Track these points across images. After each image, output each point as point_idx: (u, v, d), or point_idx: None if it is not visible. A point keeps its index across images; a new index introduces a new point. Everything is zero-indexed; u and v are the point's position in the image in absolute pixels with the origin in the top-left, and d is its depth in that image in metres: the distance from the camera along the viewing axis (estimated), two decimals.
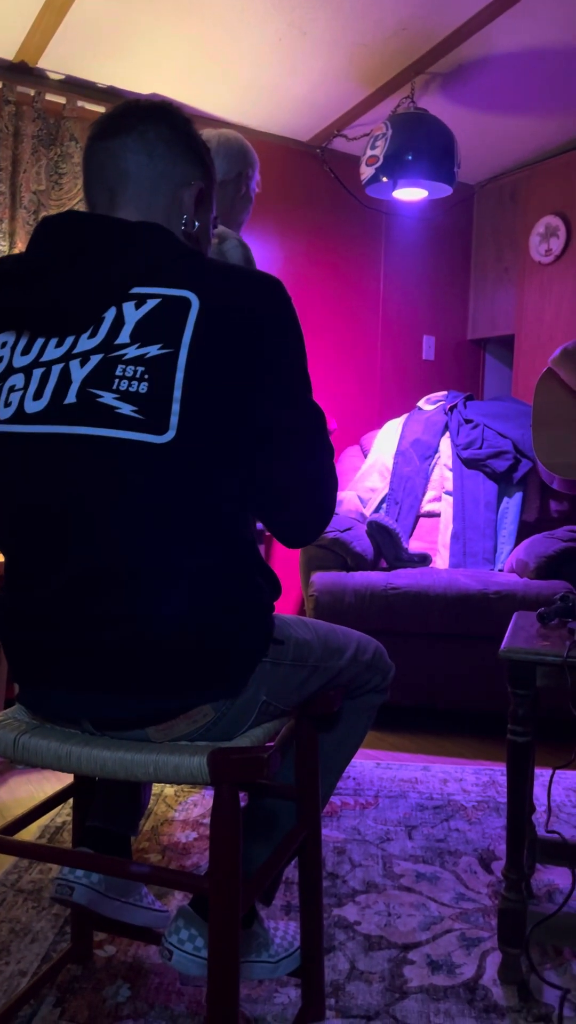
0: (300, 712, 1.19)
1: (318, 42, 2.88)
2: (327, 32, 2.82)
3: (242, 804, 1.20)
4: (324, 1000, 1.27)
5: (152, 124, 1.10)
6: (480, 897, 1.62)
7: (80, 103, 3.06)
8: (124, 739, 1.04)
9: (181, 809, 1.99)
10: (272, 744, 1.06)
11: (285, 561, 3.61)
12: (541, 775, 2.13)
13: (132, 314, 1.00)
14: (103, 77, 3.09)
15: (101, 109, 3.07)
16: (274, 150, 3.48)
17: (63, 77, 3.04)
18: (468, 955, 1.43)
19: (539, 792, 1.99)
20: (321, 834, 1.26)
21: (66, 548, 0.99)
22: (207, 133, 2.18)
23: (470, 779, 2.20)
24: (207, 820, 1.90)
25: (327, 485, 1.14)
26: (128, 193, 1.10)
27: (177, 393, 0.96)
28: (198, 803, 2.03)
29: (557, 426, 2.67)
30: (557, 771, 2.15)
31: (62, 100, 3.03)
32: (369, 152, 3.11)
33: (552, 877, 1.69)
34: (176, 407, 0.96)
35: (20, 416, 0.99)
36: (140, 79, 3.10)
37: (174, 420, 0.96)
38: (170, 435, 0.96)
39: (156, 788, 2.08)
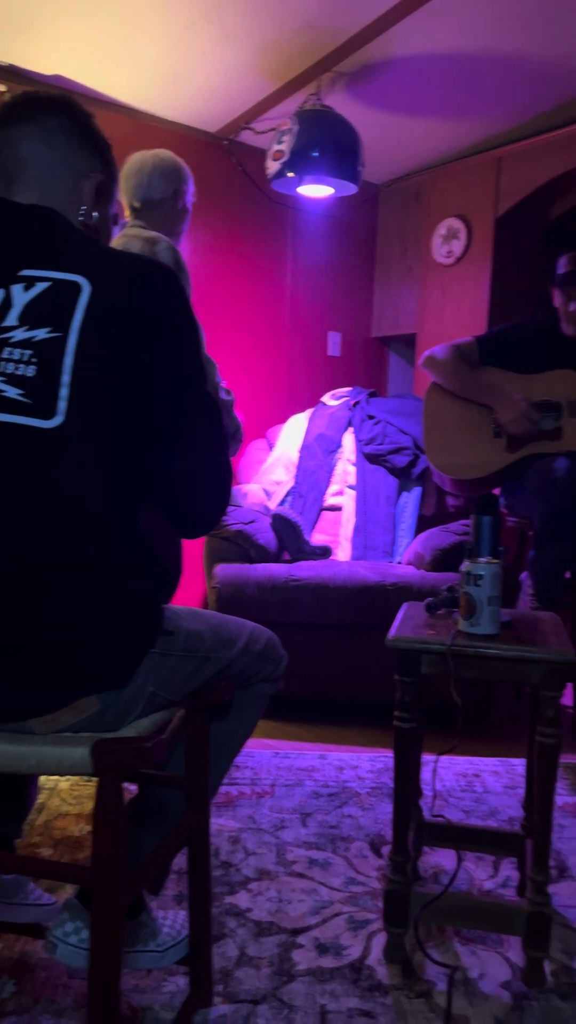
0: (191, 702, 1.19)
1: (227, 33, 2.86)
2: (235, 24, 2.80)
3: (134, 795, 1.20)
4: (212, 987, 1.28)
5: (53, 115, 1.10)
6: (369, 881, 1.65)
7: None
8: (5, 731, 1.02)
9: (76, 803, 1.96)
10: (157, 734, 1.06)
11: (188, 552, 3.58)
12: (431, 761, 2.18)
13: (20, 296, 0.99)
14: (4, 55, 2.99)
15: (1, 88, 2.99)
16: (181, 140, 3.44)
17: None
18: (355, 937, 1.45)
19: (430, 778, 2.04)
20: (210, 823, 1.27)
21: None
22: (142, 156, 2.34)
23: (365, 766, 2.24)
24: None
25: (219, 476, 1.14)
26: (25, 179, 1.09)
27: (66, 378, 0.95)
28: (94, 797, 2.00)
29: (445, 429, 2.73)
30: (445, 757, 2.21)
31: None
32: (275, 147, 3.11)
33: (439, 859, 1.74)
34: (64, 392, 0.95)
35: None
36: (43, 59, 3.01)
37: (62, 405, 0.95)
38: (58, 420, 0.95)
39: (50, 782, 2.05)
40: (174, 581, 1.17)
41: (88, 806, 1.94)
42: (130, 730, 1.04)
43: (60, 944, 1.09)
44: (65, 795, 2.00)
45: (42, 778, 1.99)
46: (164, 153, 2.39)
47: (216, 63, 3.04)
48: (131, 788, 1.33)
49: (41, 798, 1.96)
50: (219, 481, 1.14)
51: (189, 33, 2.85)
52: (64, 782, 2.06)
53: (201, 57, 3.00)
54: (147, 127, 3.39)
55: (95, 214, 1.13)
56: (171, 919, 1.32)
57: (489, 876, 1.69)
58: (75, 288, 0.98)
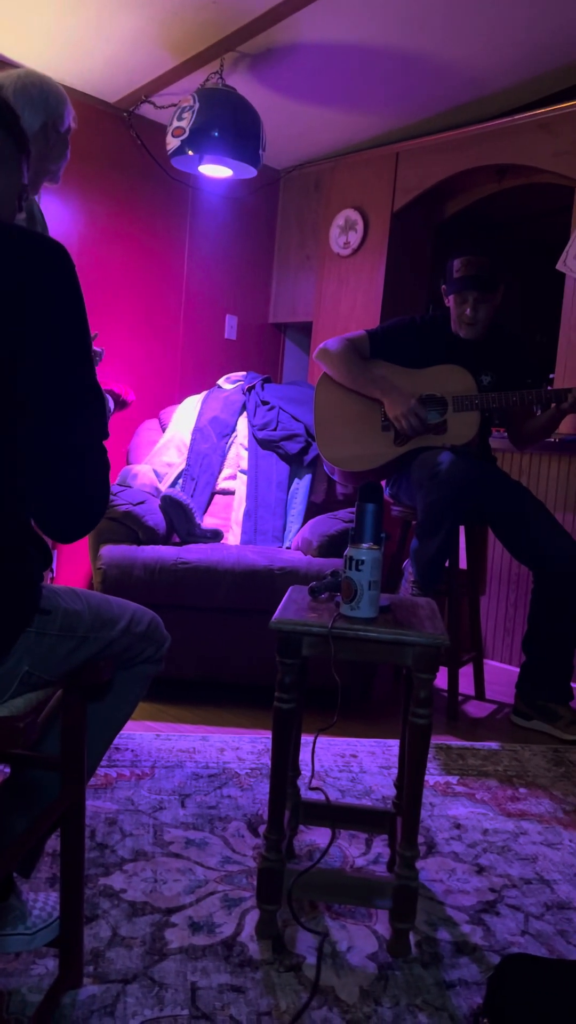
0: (68, 682, 1.17)
1: (129, 3, 2.79)
2: None
3: (5, 776, 1.17)
4: (82, 967, 1.26)
5: None
6: (245, 859, 1.66)
7: None
8: None
9: None
10: (32, 714, 1.04)
11: None
12: (310, 743, 2.21)
13: None
14: None
15: None
16: (78, 108, 3.30)
17: None
18: (229, 915, 1.46)
19: (308, 758, 2.07)
20: (85, 804, 1.25)
21: None
22: (1, 77, 1.95)
23: (246, 747, 2.25)
24: None
25: (94, 468, 1.09)
26: None
27: None
28: None
29: (335, 421, 2.77)
30: (324, 737, 2.26)
31: None
32: (176, 123, 3.08)
33: (314, 837, 1.77)
34: None
35: None
36: None
37: None
38: None
39: None
40: (48, 557, 1.14)
41: None
42: (3, 710, 1.02)
43: None
44: None
45: None
46: (28, 76, 1.98)
47: (116, 30, 2.97)
48: (3, 769, 1.30)
49: None
50: (90, 473, 1.09)
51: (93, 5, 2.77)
52: None
53: (100, 23, 2.92)
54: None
55: None
56: (42, 901, 1.30)
57: (361, 853, 1.73)
58: None
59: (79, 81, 3.32)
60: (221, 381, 3.60)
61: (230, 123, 3.03)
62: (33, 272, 0.98)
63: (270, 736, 2.10)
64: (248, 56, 3.08)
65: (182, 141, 3.07)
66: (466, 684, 2.88)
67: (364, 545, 1.39)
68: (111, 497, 2.87)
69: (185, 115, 3.06)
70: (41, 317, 0.98)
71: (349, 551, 1.38)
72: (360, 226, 3.77)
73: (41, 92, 1.96)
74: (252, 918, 1.45)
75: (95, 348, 2.36)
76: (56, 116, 1.99)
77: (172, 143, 3.12)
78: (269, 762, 2.14)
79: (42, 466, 1.03)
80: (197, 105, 3.04)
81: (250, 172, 3.24)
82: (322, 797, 1.74)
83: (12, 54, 3.13)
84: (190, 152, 3.09)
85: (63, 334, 1.02)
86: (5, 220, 1.11)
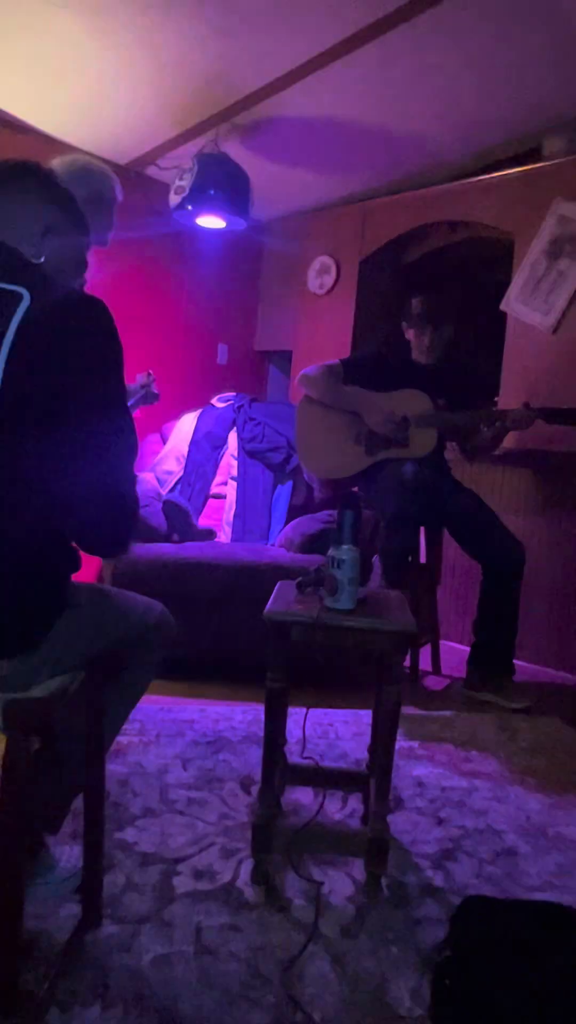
0: (90, 666, 1.16)
1: (141, 79, 2.78)
2: (149, 71, 2.73)
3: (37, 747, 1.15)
4: (102, 911, 1.25)
5: (12, 180, 1.14)
6: (239, 815, 1.65)
7: None
8: None
9: None
10: (60, 694, 1.02)
11: None
12: (295, 713, 2.21)
13: None
14: None
15: None
16: None
17: None
18: (227, 863, 1.45)
19: (294, 727, 2.06)
20: (105, 770, 1.24)
21: None
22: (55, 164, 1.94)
23: (238, 718, 2.24)
24: None
25: (123, 493, 1.06)
26: None
27: (1, 362, 0.93)
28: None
29: (314, 436, 2.77)
30: (303, 708, 2.25)
31: None
32: (178, 183, 3.07)
33: (297, 796, 1.76)
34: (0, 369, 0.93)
35: None
36: None
37: None
38: None
39: None
40: (78, 561, 1.13)
41: None
42: (38, 691, 1.01)
43: None
44: None
45: None
46: (76, 161, 2.01)
47: (129, 104, 2.96)
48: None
49: None
50: (118, 498, 1.06)
51: (106, 74, 2.75)
52: None
53: (117, 97, 2.91)
54: (66, 153, 3.25)
55: (43, 253, 1.13)
56: (67, 854, 1.29)
57: (339, 809, 1.72)
58: (15, 296, 0.97)
59: (96, 145, 3.28)
60: (214, 400, 3.58)
61: (224, 184, 3.03)
62: (76, 329, 0.99)
63: (259, 708, 2.10)
64: (239, 127, 3.08)
65: (183, 198, 3.07)
66: (425, 662, 2.89)
67: (344, 547, 1.39)
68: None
69: (186, 176, 3.06)
70: (86, 358, 0.98)
71: (332, 551, 1.38)
72: (333, 270, 3.78)
73: (86, 172, 1.97)
74: (247, 866, 1.44)
75: (153, 391, 2.33)
76: (100, 191, 1.98)
77: (174, 199, 3.11)
78: (259, 731, 2.13)
79: (79, 501, 1.02)
80: (196, 168, 3.03)
81: (240, 224, 3.24)
82: (302, 762, 1.74)
83: (44, 125, 3.11)
84: (189, 207, 3.09)
85: (107, 378, 1.02)
86: (66, 283, 1.12)
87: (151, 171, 3.49)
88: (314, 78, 2.72)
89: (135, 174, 3.49)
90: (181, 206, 3.09)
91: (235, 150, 3.19)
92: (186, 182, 3.04)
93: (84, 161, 2.02)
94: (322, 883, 1.40)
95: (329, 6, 2.38)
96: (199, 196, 3.02)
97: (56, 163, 1.95)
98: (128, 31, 2.48)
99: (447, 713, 2.42)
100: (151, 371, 2.38)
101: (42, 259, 1.12)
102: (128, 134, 3.21)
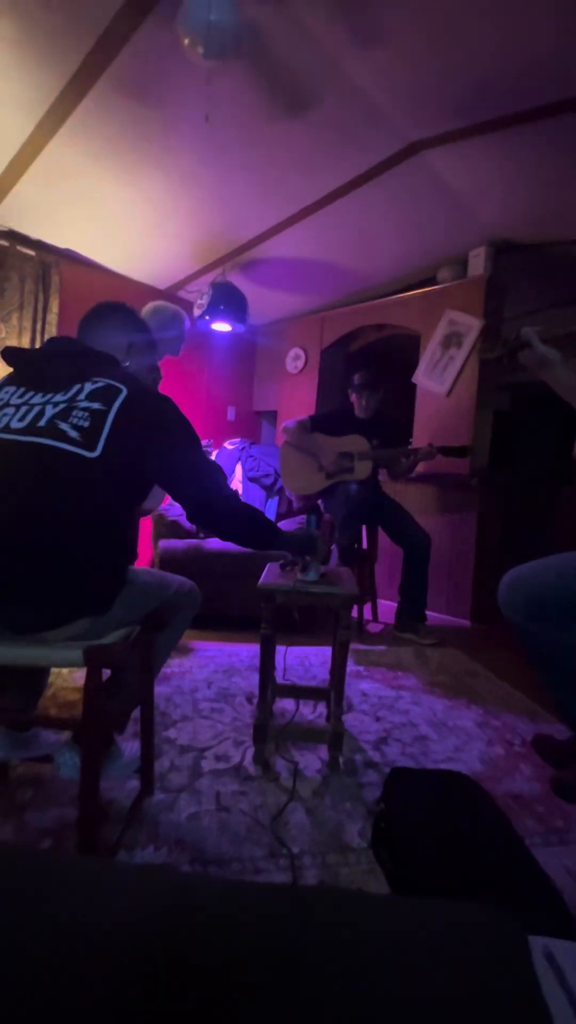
0: (144, 622, 1.15)
1: (171, 231, 2.78)
2: (176, 225, 2.74)
3: (108, 676, 1.15)
4: (154, 784, 1.24)
5: (108, 313, 1.16)
6: (245, 718, 1.64)
7: (17, 247, 2.76)
8: (30, 641, 0.96)
9: (73, 683, 1.84)
10: (124, 641, 1.02)
11: (144, 532, 3.46)
12: (282, 650, 2.20)
13: (89, 387, 1.00)
14: (34, 232, 2.78)
15: (31, 252, 2.77)
16: (143, 292, 3.32)
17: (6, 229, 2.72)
18: (237, 750, 1.45)
19: (281, 660, 2.05)
20: (154, 690, 1.23)
21: (14, 510, 0.91)
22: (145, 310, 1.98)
23: (244, 654, 2.23)
24: None
25: (216, 498, 1.10)
26: (95, 339, 1.13)
27: (106, 430, 0.94)
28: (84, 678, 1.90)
29: (291, 466, 2.77)
30: (287, 647, 2.24)
31: (5, 244, 2.72)
32: (199, 301, 3.06)
33: (283, 704, 1.75)
34: (103, 439, 0.94)
35: (7, 429, 0.96)
36: (59, 236, 2.83)
37: (100, 445, 0.93)
38: (97, 453, 0.93)
39: (56, 672, 1.92)
40: (134, 555, 1.15)
41: (81, 683, 1.84)
42: (109, 639, 1.01)
43: (62, 766, 1.04)
44: (66, 678, 1.88)
45: (52, 670, 1.86)
46: (156, 306, 2.02)
47: (166, 248, 2.96)
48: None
49: (50, 680, 1.84)
50: (214, 502, 1.09)
51: (148, 227, 2.76)
52: (66, 671, 1.93)
53: (155, 242, 2.91)
54: (123, 282, 3.25)
55: (128, 362, 1.16)
56: (130, 747, 1.28)
57: (311, 712, 1.72)
58: (118, 389, 0.99)
59: (144, 277, 3.29)
60: (226, 444, 3.57)
61: (229, 301, 3.02)
62: (156, 402, 1.03)
63: (258, 647, 2.08)
64: (239, 263, 3.08)
65: (202, 311, 3.06)
66: (367, 614, 2.89)
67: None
68: (165, 513, 2.83)
69: (204, 297, 3.05)
70: (164, 421, 1.03)
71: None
72: (303, 357, 3.78)
73: (164, 308, 2.00)
74: (250, 752, 1.43)
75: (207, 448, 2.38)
76: (175, 320, 2.01)
77: (197, 312, 3.11)
78: (258, 663, 2.12)
79: (197, 510, 1.07)
80: (211, 292, 3.03)
81: (241, 328, 3.23)
82: (286, 682, 1.73)
83: (107, 262, 3.09)
84: (207, 318, 3.08)
85: (181, 430, 1.05)
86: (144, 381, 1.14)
87: (181, 293, 3.49)
88: (285, 234, 2.74)
89: (171, 296, 3.49)
90: (201, 317, 3.08)
91: (237, 279, 3.20)
92: (204, 300, 3.04)
93: (162, 305, 2.05)
94: (298, 762, 1.40)
95: (289, 190, 2.41)
96: (213, 310, 3.02)
97: (148, 306, 2.01)
98: (161, 198, 2.49)
99: (382, 647, 2.42)
100: (209, 440, 2.48)
101: (128, 364, 1.14)
102: (165, 268, 3.21)
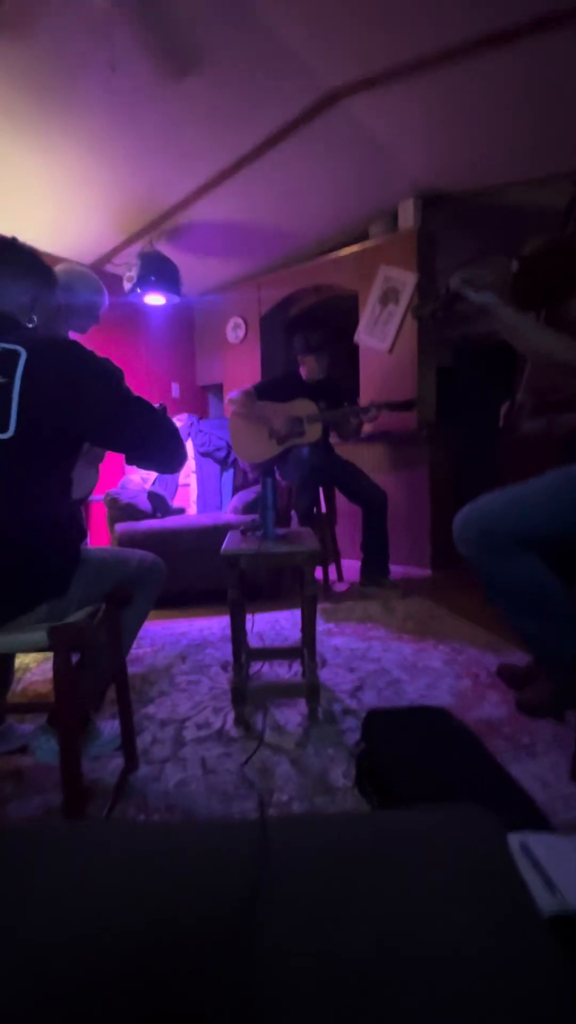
0: (107, 600, 1.13)
1: (91, 201, 2.63)
2: (95, 195, 2.59)
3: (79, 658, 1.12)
4: (137, 758, 1.24)
5: (4, 260, 1.01)
6: (222, 686, 1.65)
7: None
8: None
9: (40, 673, 1.81)
10: (88, 620, 1.00)
11: (98, 516, 3.37)
12: (252, 618, 2.22)
13: None
14: None
15: None
16: None
17: None
18: (217, 716, 1.46)
19: (254, 626, 2.07)
20: (127, 668, 1.22)
21: None
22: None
23: (215, 627, 2.23)
24: None
25: (165, 439, 1.02)
26: None
27: (14, 406, 0.87)
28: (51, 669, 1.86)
29: (241, 436, 2.75)
30: (258, 614, 2.26)
31: None
32: (128, 274, 2.93)
33: (259, 668, 1.78)
34: (14, 414, 0.87)
35: None
36: None
37: (12, 424, 0.87)
38: (10, 433, 0.87)
39: (21, 666, 1.87)
40: (85, 533, 1.10)
41: (49, 675, 1.80)
42: (72, 619, 0.98)
43: (38, 750, 1.03)
44: (33, 672, 1.84)
45: (16, 664, 1.82)
46: (71, 269, 1.72)
47: (86, 219, 2.80)
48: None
49: (16, 678, 1.79)
50: (166, 442, 1.03)
51: (66, 198, 2.60)
52: (30, 660, 1.89)
53: (75, 213, 2.75)
54: (46, 258, 3.07)
55: (34, 316, 1.04)
56: (109, 726, 1.27)
57: (287, 671, 1.74)
58: (15, 353, 0.90)
59: (66, 251, 3.11)
60: (174, 420, 3.49)
61: (160, 272, 2.91)
62: (62, 356, 0.93)
63: (228, 619, 2.07)
64: (166, 231, 2.96)
65: (132, 284, 2.94)
66: (332, 574, 2.94)
67: (269, 503, 1.39)
68: (118, 496, 2.76)
69: (133, 269, 2.92)
70: (75, 381, 0.93)
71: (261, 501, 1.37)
72: (243, 326, 3.71)
73: (64, 275, 1.70)
74: (231, 717, 1.44)
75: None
76: (74, 291, 1.71)
77: (127, 286, 2.98)
78: (230, 632, 2.13)
79: (135, 451, 1.00)
80: (139, 263, 2.90)
81: (175, 299, 3.13)
82: (260, 645, 1.75)
83: (26, 239, 2.89)
84: (138, 291, 2.96)
85: (100, 377, 0.96)
86: (53, 332, 1.04)
87: (108, 267, 3.34)
88: (210, 197, 2.64)
89: (97, 270, 3.32)
90: (132, 290, 2.96)
91: (165, 248, 3.08)
92: (133, 273, 2.91)
93: (79, 271, 1.76)
94: (279, 718, 1.43)
95: (208, 150, 2.31)
96: (144, 282, 2.90)
97: (59, 268, 1.71)
98: (75, 166, 2.35)
99: (350, 604, 2.47)
100: (164, 403, 2.31)
101: (33, 323, 1.04)
102: (87, 241, 3.04)
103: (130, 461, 1.03)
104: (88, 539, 2.77)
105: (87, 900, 0.43)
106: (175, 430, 1.06)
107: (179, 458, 1.07)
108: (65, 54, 1.79)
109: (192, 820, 0.92)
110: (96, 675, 1.13)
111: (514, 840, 0.73)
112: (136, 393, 1.02)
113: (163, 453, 1.03)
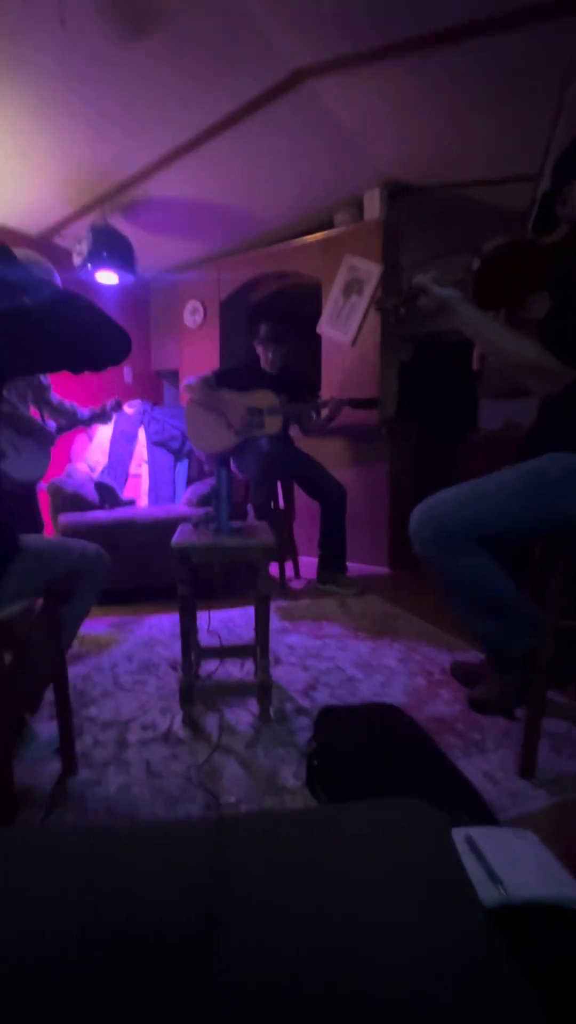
0: (46, 592, 1.10)
1: (36, 167, 2.52)
2: (40, 161, 2.48)
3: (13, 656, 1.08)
4: (76, 762, 1.21)
5: None
6: (171, 686, 1.63)
7: None
8: None
9: None
10: (25, 615, 0.96)
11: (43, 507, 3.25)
12: (204, 616, 2.20)
13: None
14: None
15: None
16: (10, 238, 3.01)
17: None
18: (164, 717, 1.44)
19: (205, 624, 2.05)
20: (67, 668, 1.18)
21: None
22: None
23: (165, 624, 2.20)
24: None
25: (102, 328, 0.92)
26: None
27: None
28: None
29: (199, 426, 2.71)
30: (212, 611, 2.25)
31: None
32: (77, 248, 2.83)
33: (210, 666, 1.76)
34: None
35: None
36: None
37: None
38: None
39: None
40: (38, 521, 1.05)
41: None
42: (3, 614, 0.94)
43: None
44: None
45: None
46: (33, 255, 1.72)
47: (30, 187, 2.69)
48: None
49: None
50: (108, 329, 0.92)
51: (7, 161, 2.48)
52: None
53: (18, 181, 2.63)
54: None
55: None
56: (45, 729, 1.24)
57: (238, 670, 1.75)
58: None
59: (9, 220, 2.98)
60: (125, 407, 3.40)
61: (113, 248, 2.83)
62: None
63: (178, 616, 2.04)
64: (120, 205, 2.88)
65: (83, 260, 2.84)
66: (289, 571, 2.95)
67: (223, 495, 1.38)
68: (63, 484, 2.68)
69: (83, 243, 2.82)
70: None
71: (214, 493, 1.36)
72: (201, 310, 3.66)
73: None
74: (179, 718, 1.43)
75: (109, 414, 2.20)
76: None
77: (77, 261, 2.87)
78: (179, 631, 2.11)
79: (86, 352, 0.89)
80: (91, 237, 2.81)
81: (129, 279, 3.04)
82: (211, 643, 1.74)
83: None
84: (89, 267, 2.86)
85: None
86: None
87: (56, 240, 3.21)
88: (168, 171, 2.58)
89: (44, 243, 3.20)
90: (82, 266, 2.86)
91: (119, 223, 2.99)
92: (84, 247, 2.81)
93: (32, 255, 1.72)
94: (229, 718, 1.43)
95: (166, 121, 2.26)
96: (95, 258, 2.81)
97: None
98: (19, 129, 2.24)
99: (306, 601, 2.48)
100: (118, 399, 2.27)
101: None
102: (34, 210, 2.92)
103: (75, 370, 0.91)
104: (44, 529, 2.67)
105: (42, 911, 0.42)
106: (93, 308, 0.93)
107: (119, 341, 0.94)
108: (7, 3, 1.70)
109: (144, 822, 0.90)
110: (32, 674, 1.09)
111: (459, 834, 0.76)
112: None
113: (99, 341, 0.91)
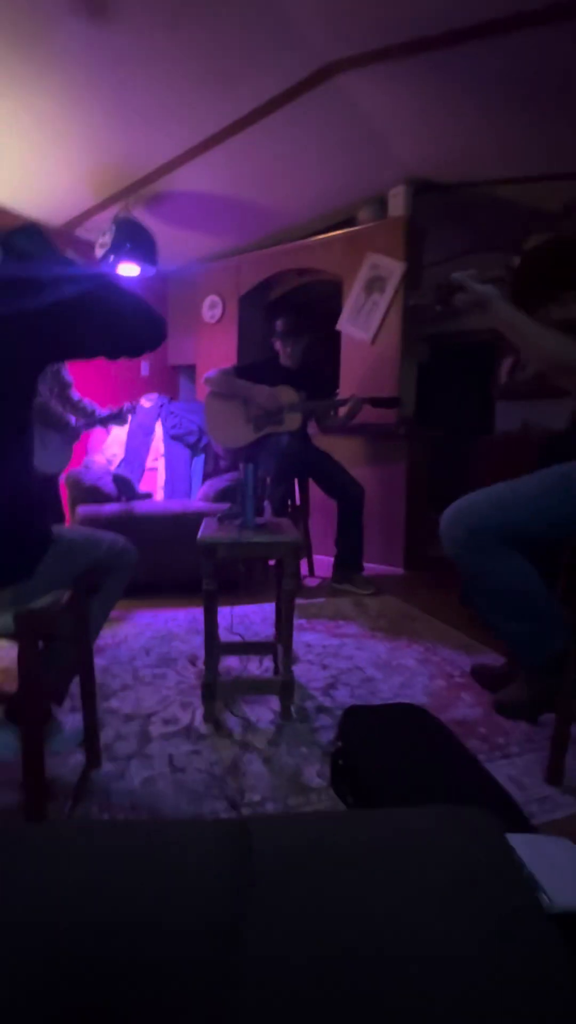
0: (75, 584, 1.10)
1: (63, 160, 2.52)
2: (68, 152, 2.48)
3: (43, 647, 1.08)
4: (100, 755, 1.21)
5: None
6: (190, 680, 1.64)
7: None
8: None
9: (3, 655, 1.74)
10: (55, 606, 0.96)
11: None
12: (223, 612, 2.19)
13: None
14: None
15: None
16: None
17: None
18: (185, 712, 1.44)
19: (223, 619, 2.05)
20: (93, 659, 1.18)
21: None
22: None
23: (182, 618, 2.21)
24: None
25: (142, 314, 0.92)
26: None
27: None
28: (16, 658, 1.79)
29: (217, 418, 2.71)
30: (229, 607, 2.25)
31: None
32: (101, 240, 2.83)
33: (228, 663, 1.77)
34: None
35: None
36: None
37: None
38: None
39: None
40: (58, 512, 1.06)
41: (3, 665, 1.74)
42: (39, 604, 0.94)
43: None
44: None
45: None
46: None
47: (58, 179, 2.69)
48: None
49: None
50: (144, 316, 0.93)
51: (37, 153, 2.48)
52: None
53: (46, 173, 2.63)
54: (6, 217, 2.93)
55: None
56: (71, 720, 1.24)
57: (257, 667, 1.75)
58: None
59: (34, 210, 2.98)
60: (142, 400, 3.40)
61: (136, 240, 2.82)
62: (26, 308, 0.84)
63: (195, 610, 2.05)
64: (144, 197, 2.87)
65: (106, 251, 2.84)
66: (304, 569, 2.94)
67: (249, 492, 1.37)
68: (81, 477, 2.68)
69: (107, 235, 2.82)
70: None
71: (240, 487, 1.36)
72: (220, 305, 3.65)
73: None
74: (199, 712, 1.43)
75: (124, 416, 2.22)
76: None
77: (99, 252, 2.87)
78: (197, 625, 2.11)
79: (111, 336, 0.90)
80: (114, 229, 2.80)
81: (151, 271, 3.03)
82: (231, 639, 1.74)
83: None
84: (112, 259, 2.86)
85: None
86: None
87: (79, 232, 3.21)
88: (193, 164, 2.57)
89: (67, 234, 3.20)
90: (105, 257, 2.86)
91: (142, 215, 2.99)
92: (107, 239, 2.81)
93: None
94: (250, 716, 1.43)
95: (195, 114, 2.25)
96: (118, 249, 2.80)
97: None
98: (48, 115, 2.24)
99: (321, 600, 2.48)
100: (134, 402, 2.30)
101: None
102: (58, 201, 2.92)
103: (112, 355, 0.92)
104: (65, 521, 2.68)
105: (65, 903, 0.41)
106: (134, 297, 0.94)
107: (156, 327, 0.95)
108: None
109: (168, 820, 0.90)
110: (60, 666, 1.10)
111: None
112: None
113: (136, 327, 0.92)
